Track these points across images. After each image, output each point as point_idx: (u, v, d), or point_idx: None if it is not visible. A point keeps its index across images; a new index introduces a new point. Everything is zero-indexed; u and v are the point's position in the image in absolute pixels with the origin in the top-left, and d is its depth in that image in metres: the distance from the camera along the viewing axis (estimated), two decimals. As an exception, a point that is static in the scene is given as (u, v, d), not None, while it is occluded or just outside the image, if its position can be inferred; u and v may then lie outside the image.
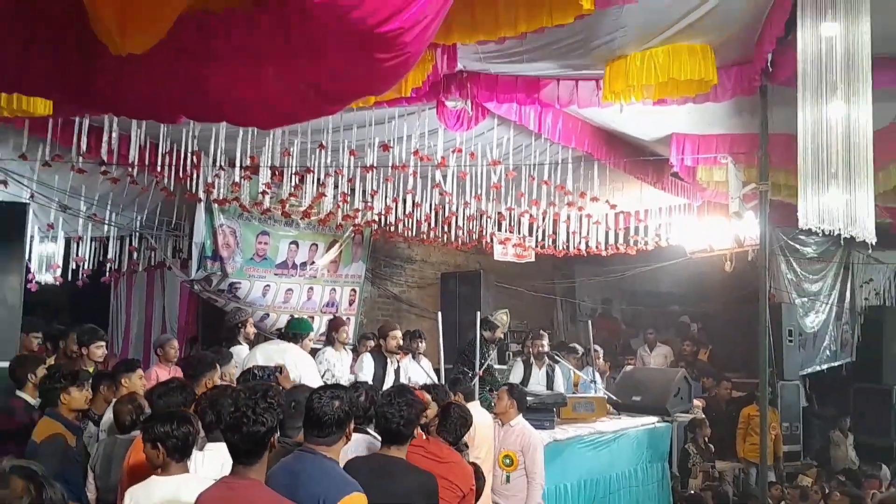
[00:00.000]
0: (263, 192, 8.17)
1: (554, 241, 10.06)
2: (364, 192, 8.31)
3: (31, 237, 7.98)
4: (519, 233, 9.62)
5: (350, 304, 10.97)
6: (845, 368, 12.46)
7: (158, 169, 7.51)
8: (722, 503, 7.54)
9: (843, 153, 4.46)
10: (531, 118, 7.05)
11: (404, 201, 8.66)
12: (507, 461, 5.85)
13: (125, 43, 3.70)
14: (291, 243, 10.08)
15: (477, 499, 4.40)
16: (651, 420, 8.28)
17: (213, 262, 9.17)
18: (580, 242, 9.96)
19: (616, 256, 10.68)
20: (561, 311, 14.50)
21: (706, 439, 9.13)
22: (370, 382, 6.26)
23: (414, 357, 7.61)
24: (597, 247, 10.12)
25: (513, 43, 5.17)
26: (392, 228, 9.63)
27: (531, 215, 9.16)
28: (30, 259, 8.06)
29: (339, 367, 7.38)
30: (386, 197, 8.54)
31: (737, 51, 5.74)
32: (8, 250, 5.98)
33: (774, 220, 7.87)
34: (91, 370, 5.83)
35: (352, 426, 3.35)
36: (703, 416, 9.39)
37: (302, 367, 6.23)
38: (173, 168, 7.43)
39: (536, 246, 10.00)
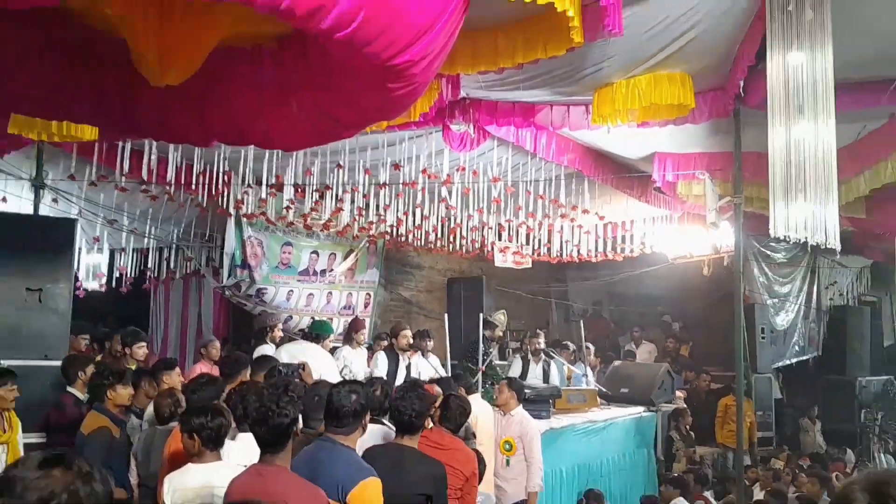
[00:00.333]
0: (287, 207, 8.22)
1: (549, 249, 10.06)
2: (378, 206, 8.32)
3: (79, 249, 7.99)
4: (517, 242, 9.63)
5: (365, 307, 10.96)
6: (812, 362, 12.39)
7: (193, 187, 7.56)
8: (702, 484, 7.50)
9: (810, 169, 4.43)
10: (527, 139, 7.07)
11: (414, 214, 8.66)
12: (507, 446, 5.84)
13: (163, 75, 3.74)
14: (312, 253, 10.10)
15: (479, 482, 4.39)
16: (638, 410, 8.26)
17: (243, 270, 9.22)
18: (572, 250, 9.99)
19: (605, 263, 10.74)
20: (555, 313, 14.44)
21: (688, 427, 9.08)
22: (384, 378, 6.27)
23: (423, 354, 7.58)
24: (587, 254, 10.17)
25: (511, 72, 5.16)
26: (403, 239, 9.64)
27: (528, 226, 9.21)
28: (78, 269, 8.07)
29: (356, 363, 7.37)
30: (397, 210, 8.57)
31: (712, 78, 5.73)
32: (58, 261, 5.97)
33: (748, 229, 7.87)
34: (133, 368, 5.85)
35: (367, 417, 3.34)
36: (685, 405, 9.35)
37: (322, 364, 6.24)
38: (206, 186, 7.47)
39: (533, 253, 10.00)
